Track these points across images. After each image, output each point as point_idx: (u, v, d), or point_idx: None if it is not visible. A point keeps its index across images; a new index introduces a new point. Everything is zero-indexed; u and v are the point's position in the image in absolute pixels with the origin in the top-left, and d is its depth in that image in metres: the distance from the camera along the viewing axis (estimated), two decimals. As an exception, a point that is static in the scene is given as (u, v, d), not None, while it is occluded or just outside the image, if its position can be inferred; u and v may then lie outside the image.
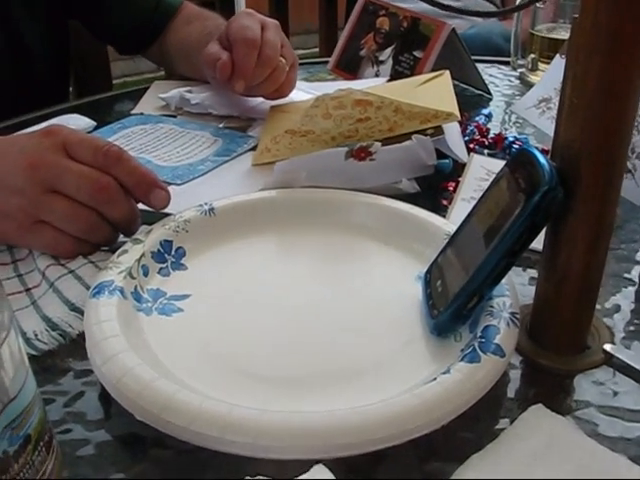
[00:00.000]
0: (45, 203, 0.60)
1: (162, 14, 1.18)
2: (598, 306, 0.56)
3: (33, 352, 0.53)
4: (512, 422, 0.46)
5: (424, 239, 0.62)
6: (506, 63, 1.24)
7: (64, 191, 0.59)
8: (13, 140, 0.65)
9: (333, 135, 0.76)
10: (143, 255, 0.59)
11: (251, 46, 0.88)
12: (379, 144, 0.70)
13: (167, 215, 0.64)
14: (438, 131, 0.76)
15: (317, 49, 2.52)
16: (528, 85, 1.11)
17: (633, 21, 0.42)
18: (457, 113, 0.75)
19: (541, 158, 0.47)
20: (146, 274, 0.58)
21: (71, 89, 1.42)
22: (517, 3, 1.11)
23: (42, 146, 0.61)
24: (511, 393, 0.50)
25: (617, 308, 0.58)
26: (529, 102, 1.01)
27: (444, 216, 0.68)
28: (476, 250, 0.50)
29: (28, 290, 0.60)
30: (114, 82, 1.79)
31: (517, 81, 1.18)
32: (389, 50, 1.06)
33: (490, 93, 1.10)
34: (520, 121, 1.00)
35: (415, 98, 0.78)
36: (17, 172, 0.60)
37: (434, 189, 0.76)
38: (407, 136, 0.74)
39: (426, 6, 0.60)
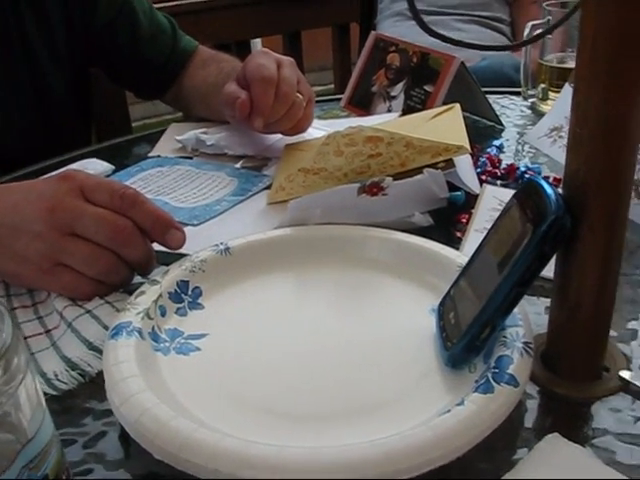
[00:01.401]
0: (64, 246, 0.61)
1: (177, 59, 1.21)
2: (614, 333, 0.56)
3: (54, 392, 0.54)
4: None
5: (437, 272, 0.63)
6: (517, 94, 1.24)
7: (83, 234, 0.61)
8: (30, 186, 0.67)
9: (345, 172, 0.77)
10: (160, 296, 0.60)
11: (268, 84, 0.90)
12: (391, 179, 0.71)
13: (183, 255, 0.65)
14: (449, 164, 0.76)
15: (333, 85, 2.56)
16: (539, 114, 1.11)
17: (629, 56, 0.43)
18: (467, 146, 0.76)
19: (547, 188, 0.48)
20: (163, 314, 0.59)
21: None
22: (525, 36, 1.12)
23: (60, 191, 0.63)
24: (528, 423, 0.50)
25: (634, 334, 0.58)
26: (541, 131, 1.02)
27: (458, 248, 0.68)
28: (488, 280, 0.50)
29: (48, 332, 0.62)
30: (134, 125, 1.82)
31: (529, 111, 1.18)
32: (400, 85, 1.07)
33: (502, 124, 1.10)
34: (533, 151, 1.00)
35: (426, 132, 0.79)
36: (36, 217, 0.61)
37: (447, 222, 0.77)
38: (419, 170, 0.74)
39: (435, 40, 0.61)
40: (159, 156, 1.02)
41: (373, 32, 1.17)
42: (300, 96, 0.93)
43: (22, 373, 0.31)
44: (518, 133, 1.08)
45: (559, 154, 0.94)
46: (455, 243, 0.71)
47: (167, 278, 0.61)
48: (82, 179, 0.64)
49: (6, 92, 1.10)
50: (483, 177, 0.87)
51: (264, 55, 0.95)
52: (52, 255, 0.61)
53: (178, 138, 1.03)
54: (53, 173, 0.93)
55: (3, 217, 0.63)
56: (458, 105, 0.90)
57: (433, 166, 0.75)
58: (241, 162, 0.96)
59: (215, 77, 1.12)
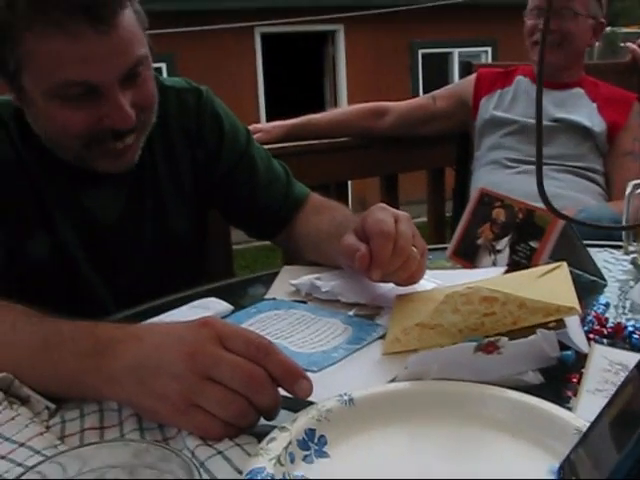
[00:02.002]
0: (201, 389, 0.66)
1: (290, 205, 1.30)
2: None
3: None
4: None
5: (553, 433, 0.64)
6: (617, 247, 1.26)
7: (219, 379, 0.66)
8: (170, 329, 0.74)
9: (460, 328, 0.81)
10: (290, 443, 0.63)
11: (387, 238, 0.95)
12: (506, 339, 0.75)
13: (303, 401, 0.69)
14: (560, 324, 0.80)
15: (422, 218, 2.68)
16: (642, 270, 1.14)
17: None
18: (578, 307, 0.79)
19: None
20: (292, 461, 0.63)
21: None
22: (627, 193, 1.16)
23: (199, 336, 0.69)
24: None
25: None
26: (645, 288, 1.04)
27: (569, 407, 0.71)
28: (609, 452, 0.52)
29: (181, 469, 0.66)
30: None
31: (630, 265, 1.19)
32: (505, 240, 1.12)
33: (604, 279, 1.12)
34: (638, 307, 1.01)
35: (535, 291, 0.83)
36: (177, 359, 0.68)
37: (558, 380, 0.79)
38: (530, 329, 0.78)
39: (531, 191, 0.65)
40: (274, 299, 1.08)
41: (479, 187, 1.23)
42: (415, 249, 0.98)
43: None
44: (620, 289, 1.10)
45: (665, 313, 0.96)
46: (565, 402, 0.73)
47: (295, 425, 0.65)
48: (220, 327, 0.70)
49: (130, 230, 1.20)
50: (590, 335, 0.89)
51: (382, 210, 1.01)
52: (188, 396, 0.67)
53: (293, 282, 1.09)
54: (176, 309, 1.01)
55: (147, 358, 0.70)
56: (565, 264, 0.93)
57: (544, 325, 0.79)
58: (354, 310, 1.00)
59: (328, 225, 1.19)
